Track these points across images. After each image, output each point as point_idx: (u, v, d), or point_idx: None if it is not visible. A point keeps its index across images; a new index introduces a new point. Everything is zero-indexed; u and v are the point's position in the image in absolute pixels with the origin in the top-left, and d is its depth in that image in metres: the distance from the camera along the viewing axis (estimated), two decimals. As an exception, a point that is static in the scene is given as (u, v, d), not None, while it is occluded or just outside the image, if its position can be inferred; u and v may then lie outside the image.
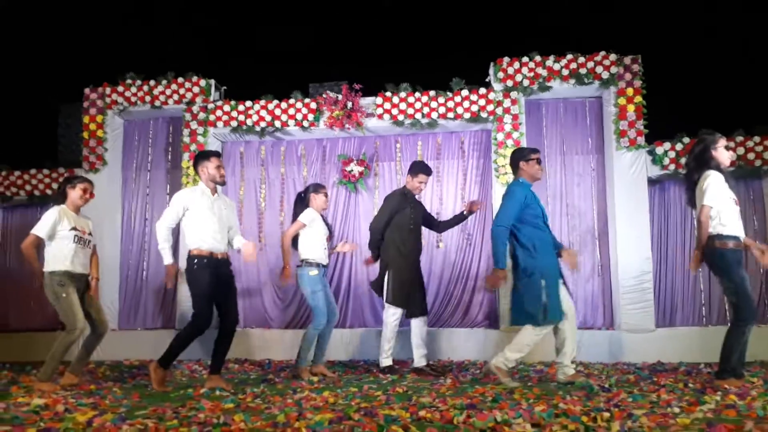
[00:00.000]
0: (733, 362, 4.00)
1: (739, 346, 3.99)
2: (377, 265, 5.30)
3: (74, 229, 4.49)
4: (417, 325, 5.07)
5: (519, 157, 4.45)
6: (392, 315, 5.02)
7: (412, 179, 5.18)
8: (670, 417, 2.83)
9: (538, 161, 4.41)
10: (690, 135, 6.01)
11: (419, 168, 5.19)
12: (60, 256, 4.42)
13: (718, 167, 4.12)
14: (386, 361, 5.06)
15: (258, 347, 6.36)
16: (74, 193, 4.59)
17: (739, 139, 6.01)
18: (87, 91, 6.93)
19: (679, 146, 6.05)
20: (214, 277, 4.21)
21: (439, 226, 5.51)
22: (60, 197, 4.65)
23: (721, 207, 4.02)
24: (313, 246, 4.96)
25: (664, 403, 3.24)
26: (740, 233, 4.05)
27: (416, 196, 5.30)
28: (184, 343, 4.24)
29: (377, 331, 6.20)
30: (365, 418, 2.83)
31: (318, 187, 5.13)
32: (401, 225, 5.09)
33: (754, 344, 4.25)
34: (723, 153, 4.14)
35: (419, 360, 5.06)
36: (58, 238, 4.44)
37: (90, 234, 4.65)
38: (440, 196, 6.58)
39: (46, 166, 7.01)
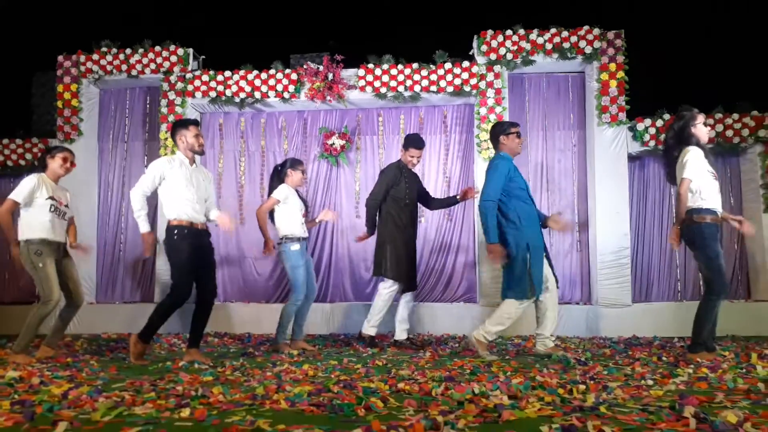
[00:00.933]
0: (705, 336, 4.08)
1: (710, 319, 4.05)
2: (366, 243, 5.29)
3: (51, 198, 4.41)
4: (407, 299, 5.11)
5: (499, 131, 4.44)
6: (389, 287, 5.01)
7: (404, 153, 5.15)
8: (644, 389, 2.88)
9: (518, 135, 4.40)
10: (670, 111, 6.05)
11: (410, 142, 5.14)
12: (36, 224, 4.34)
13: (697, 143, 4.15)
14: (371, 330, 5.06)
15: (238, 321, 6.35)
16: (54, 163, 4.49)
17: (718, 116, 6.06)
18: (60, 58, 6.74)
19: (659, 123, 6.08)
20: (194, 248, 4.13)
21: (432, 204, 5.45)
22: (40, 168, 4.56)
23: (701, 181, 4.05)
24: (290, 222, 4.88)
25: (639, 375, 3.30)
26: (718, 208, 4.09)
27: (413, 171, 5.27)
28: (163, 315, 4.18)
29: (358, 305, 6.25)
30: (344, 391, 2.83)
31: (295, 164, 5.03)
32: (397, 199, 5.06)
33: (725, 319, 4.35)
34: (701, 129, 4.16)
35: (400, 333, 5.09)
36: (34, 206, 4.35)
37: (67, 206, 4.56)
38: (422, 171, 6.54)
39: (19, 136, 6.84)
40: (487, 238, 4.23)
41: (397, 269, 4.98)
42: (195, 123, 4.32)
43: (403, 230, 5.04)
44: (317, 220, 5.41)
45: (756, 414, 2.28)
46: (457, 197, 5.29)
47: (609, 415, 2.32)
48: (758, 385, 2.90)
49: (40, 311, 4.30)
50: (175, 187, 4.15)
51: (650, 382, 3.07)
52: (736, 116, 6.06)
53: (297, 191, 5.04)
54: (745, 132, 6.04)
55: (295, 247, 4.84)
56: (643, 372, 3.42)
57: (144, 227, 4.13)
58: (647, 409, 2.40)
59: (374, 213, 5.13)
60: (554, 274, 4.37)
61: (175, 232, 4.12)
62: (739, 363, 3.77)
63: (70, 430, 2.12)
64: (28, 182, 4.36)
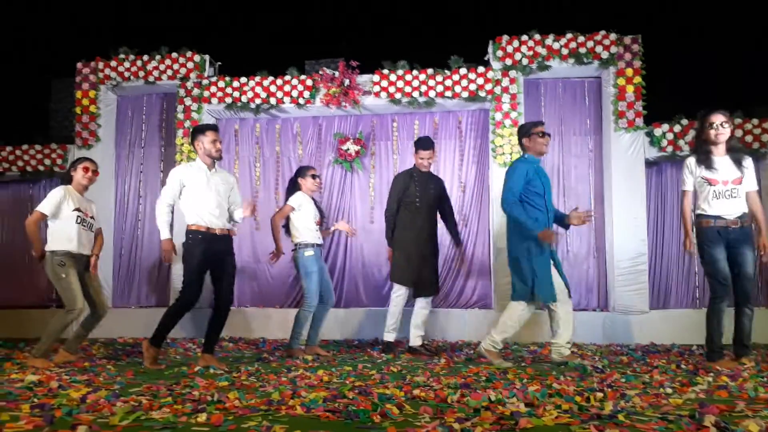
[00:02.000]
0: (717, 342, 4.10)
1: (714, 324, 4.09)
2: (380, 248, 5.32)
3: (77, 210, 4.48)
4: (421, 305, 5.06)
5: (521, 134, 4.45)
6: (396, 291, 5.02)
7: (415, 156, 5.15)
8: (663, 397, 2.84)
9: (541, 134, 4.33)
10: (688, 117, 5.99)
11: (418, 144, 5.14)
12: (62, 236, 4.41)
13: (707, 152, 4.15)
14: (387, 336, 5.07)
15: (253, 326, 6.38)
16: (77, 175, 4.57)
17: (738, 121, 5.98)
18: (79, 65, 6.83)
19: (677, 128, 6.02)
20: (207, 253, 4.17)
21: (446, 221, 5.32)
22: (66, 181, 4.66)
23: (694, 189, 4.19)
24: (304, 229, 4.92)
25: (657, 383, 3.26)
26: (718, 211, 4.08)
27: (432, 174, 5.25)
28: (173, 319, 4.22)
29: (372, 311, 6.25)
30: (360, 397, 2.83)
31: (304, 170, 5.07)
32: (407, 203, 5.05)
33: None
34: (709, 133, 4.14)
35: (414, 340, 5.06)
36: (61, 218, 4.42)
37: (93, 218, 4.63)
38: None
39: (38, 142, 6.93)
40: (532, 232, 4.13)
41: (402, 274, 4.98)
42: (212, 128, 4.35)
43: (412, 233, 5.01)
44: (332, 230, 5.41)
45: (779, 424, 2.24)
46: (457, 247, 5.31)
47: (627, 423, 2.30)
48: (780, 394, 2.86)
49: (63, 319, 4.35)
50: (194, 193, 4.20)
51: (669, 391, 3.03)
52: (755, 121, 5.98)
53: (314, 201, 5.07)
54: (765, 137, 5.96)
55: (309, 252, 4.86)
56: (662, 380, 3.38)
57: (164, 234, 4.18)
58: (666, 418, 2.37)
59: (390, 225, 5.11)
60: (566, 283, 4.32)
61: (191, 236, 4.19)
62: (760, 372, 3.72)
63: (88, 434, 2.14)
64: (55, 194, 4.45)
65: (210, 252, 4.18)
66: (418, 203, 5.05)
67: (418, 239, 5.01)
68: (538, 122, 4.48)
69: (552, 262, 4.26)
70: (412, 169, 5.18)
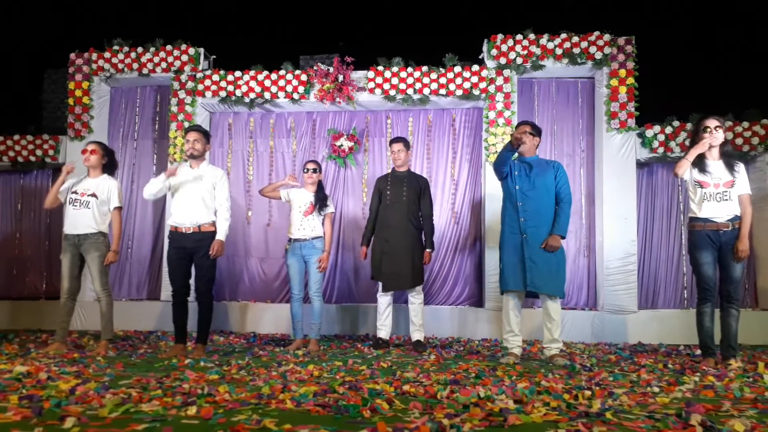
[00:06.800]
0: (707, 342, 4.18)
1: (700, 325, 4.20)
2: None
3: (74, 192, 4.65)
4: (410, 301, 5.24)
5: None
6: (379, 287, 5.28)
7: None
8: (650, 396, 2.87)
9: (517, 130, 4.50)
10: (680, 118, 6.04)
11: (390, 141, 5.41)
12: (64, 218, 4.70)
13: (700, 155, 4.21)
14: (378, 332, 5.23)
15: (243, 320, 6.37)
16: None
17: (728, 124, 6.03)
18: (73, 56, 6.78)
19: (668, 129, 6.06)
20: (176, 250, 4.43)
21: (422, 221, 5.28)
22: None
23: (689, 192, 4.30)
24: (289, 224, 5.19)
25: (644, 382, 3.29)
26: (708, 214, 4.15)
27: (412, 173, 5.38)
28: (172, 312, 4.55)
29: (363, 307, 6.27)
30: (350, 392, 2.84)
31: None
32: (381, 204, 5.27)
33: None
34: (703, 137, 4.21)
35: (412, 334, 5.22)
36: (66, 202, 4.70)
37: (93, 195, 4.65)
38: (430, 174, 6.55)
39: (30, 132, 6.88)
40: (506, 154, 4.39)
41: (372, 268, 5.26)
42: (190, 129, 4.56)
43: (381, 230, 5.20)
44: (290, 182, 5.28)
45: (763, 423, 2.27)
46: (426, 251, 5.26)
47: (615, 421, 2.32)
48: (765, 394, 2.89)
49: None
50: (174, 192, 4.53)
51: (656, 390, 3.06)
52: (746, 124, 6.03)
53: (318, 192, 5.17)
54: (755, 140, 6.01)
55: (288, 246, 5.14)
56: (649, 379, 3.41)
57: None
58: (653, 417, 2.39)
59: (368, 225, 5.34)
60: (544, 285, 4.27)
61: (168, 235, 4.57)
62: (745, 372, 3.76)
63: (77, 426, 2.13)
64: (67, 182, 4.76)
65: (177, 248, 4.44)
66: (389, 202, 5.21)
67: (385, 235, 5.18)
68: (520, 123, 4.59)
69: (522, 253, 4.29)
70: (392, 169, 5.37)
